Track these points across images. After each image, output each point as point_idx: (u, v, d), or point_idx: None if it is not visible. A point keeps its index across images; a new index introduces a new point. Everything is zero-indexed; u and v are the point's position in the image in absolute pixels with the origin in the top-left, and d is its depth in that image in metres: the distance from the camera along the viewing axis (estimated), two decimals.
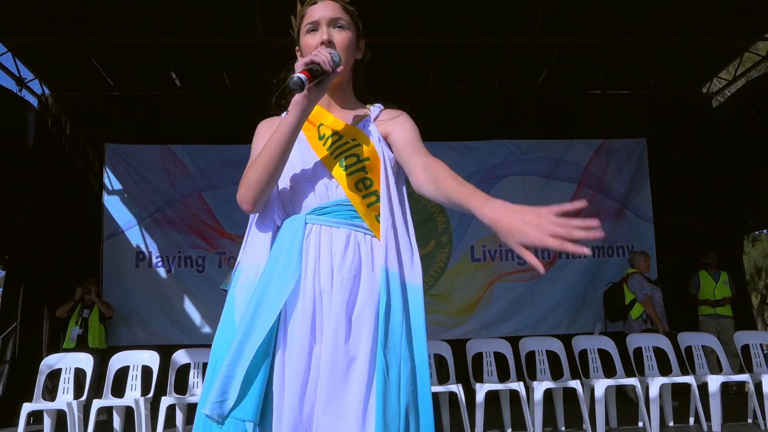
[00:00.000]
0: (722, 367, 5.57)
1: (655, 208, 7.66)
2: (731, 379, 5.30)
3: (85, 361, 5.42)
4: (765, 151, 7.06)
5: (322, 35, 1.53)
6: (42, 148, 7.19)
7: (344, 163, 1.51)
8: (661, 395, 5.15)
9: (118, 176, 7.24)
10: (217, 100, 7.50)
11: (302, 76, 1.38)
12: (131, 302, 6.95)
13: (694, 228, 7.68)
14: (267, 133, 1.55)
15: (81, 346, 6.19)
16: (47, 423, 5.10)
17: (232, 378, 1.35)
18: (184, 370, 5.55)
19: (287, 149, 1.45)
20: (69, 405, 4.88)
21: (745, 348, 5.73)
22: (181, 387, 5.51)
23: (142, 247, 7.12)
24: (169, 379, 5.35)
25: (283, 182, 1.52)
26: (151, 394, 5.20)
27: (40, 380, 5.21)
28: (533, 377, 5.50)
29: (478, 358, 5.59)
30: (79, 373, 5.42)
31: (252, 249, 1.51)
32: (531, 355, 5.65)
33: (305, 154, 1.53)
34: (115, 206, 7.19)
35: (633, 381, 5.11)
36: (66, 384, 5.32)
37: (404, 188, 1.55)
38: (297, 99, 1.43)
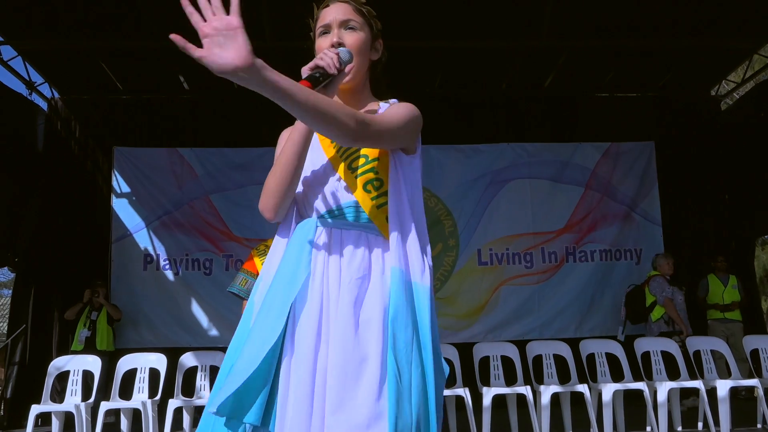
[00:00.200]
0: (731, 371, 5.53)
1: (664, 212, 7.62)
2: (740, 384, 5.26)
3: (93, 363, 5.44)
4: None
5: (332, 37, 1.53)
6: (51, 151, 7.24)
7: (353, 165, 1.51)
8: (669, 400, 5.12)
9: (127, 179, 7.28)
10: (224, 103, 7.53)
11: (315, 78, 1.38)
12: (139, 305, 6.98)
13: (704, 231, 7.64)
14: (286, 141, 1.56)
15: (89, 348, 6.22)
16: (55, 425, 5.13)
17: (239, 380, 1.35)
18: (191, 373, 5.56)
19: (301, 156, 1.46)
20: (77, 407, 4.91)
21: (755, 352, 5.69)
22: (189, 389, 5.53)
23: (150, 250, 7.15)
24: (177, 382, 5.37)
25: (299, 187, 1.53)
26: (158, 397, 5.22)
27: (49, 382, 5.24)
28: (540, 381, 5.48)
29: (485, 361, 5.58)
30: (87, 376, 5.44)
31: (271, 255, 1.52)
32: (538, 359, 5.64)
33: (316, 157, 1.54)
34: (123, 209, 7.23)
35: (641, 385, 5.08)
36: (74, 386, 5.35)
37: (418, 188, 1.53)
38: None
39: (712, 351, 5.74)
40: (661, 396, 5.03)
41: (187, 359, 5.57)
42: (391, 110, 1.50)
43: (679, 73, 7.54)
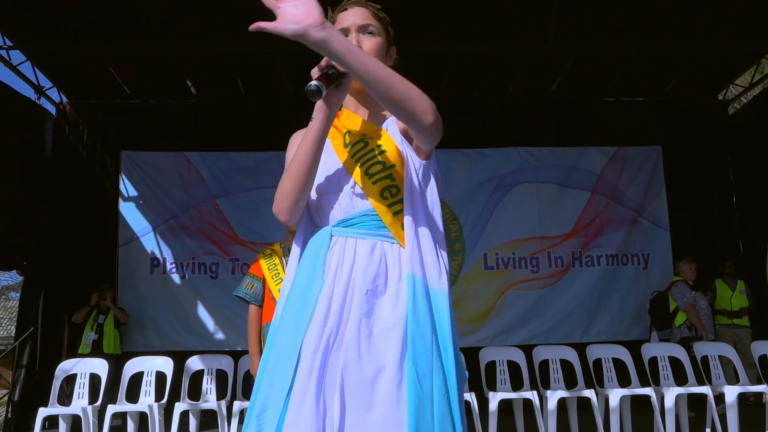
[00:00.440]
0: (739, 377, 5.50)
1: (672, 216, 7.59)
2: (748, 390, 5.23)
3: (99, 366, 5.46)
4: None
5: (351, 41, 1.51)
6: (59, 155, 7.28)
7: (369, 171, 1.48)
8: (677, 405, 5.09)
9: (134, 183, 7.32)
10: (231, 107, 7.57)
11: (316, 82, 1.37)
12: (146, 308, 7.00)
13: (712, 236, 7.61)
14: (298, 143, 1.54)
15: (96, 351, 6.24)
16: (62, 428, 5.15)
17: (269, 401, 1.36)
18: (197, 376, 5.58)
19: (315, 157, 1.44)
20: (84, 410, 4.93)
21: (763, 358, 5.65)
22: (195, 393, 5.54)
23: (157, 254, 7.17)
24: (183, 385, 5.38)
25: (311, 194, 1.52)
26: (164, 400, 5.24)
27: (56, 385, 5.26)
28: (547, 386, 5.46)
29: (492, 366, 5.56)
30: (94, 379, 5.46)
31: (289, 265, 1.52)
32: (545, 364, 5.62)
33: (330, 163, 1.51)
34: (130, 213, 7.26)
35: (648, 391, 5.06)
36: (81, 389, 5.37)
37: (435, 193, 1.52)
38: (319, 104, 1.43)
39: (720, 356, 5.70)
40: (669, 402, 5.00)
41: (194, 363, 5.59)
42: None
43: (686, 77, 7.52)
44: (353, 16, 1.55)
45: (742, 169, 7.62)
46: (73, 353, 6.41)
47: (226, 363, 5.60)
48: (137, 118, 7.53)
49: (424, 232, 1.45)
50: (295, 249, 1.53)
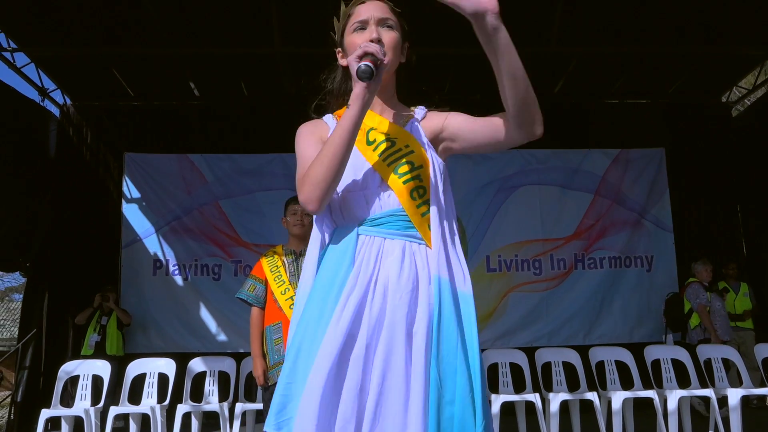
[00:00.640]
0: (743, 380, 5.48)
1: (675, 218, 7.57)
2: (752, 393, 5.21)
3: (102, 368, 5.48)
4: None
5: (371, 33, 1.51)
6: (63, 157, 7.30)
7: (399, 171, 1.48)
8: (680, 408, 5.08)
9: (137, 185, 7.33)
10: (234, 109, 7.58)
11: (369, 64, 1.38)
12: (148, 310, 7.01)
13: (715, 238, 7.58)
14: (312, 134, 1.53)
15: (99, 353, 6.25)
16: (65, 429, 5.16)
17: (290, 398, 1.35)
18: (199, 378, 5.58)
19: (350, 144, 1.41)
20: (86, 411, 4.93)
21: (766, 361, 5.63)
22: (197, 395, 5.54)
23: (160, 255, 7.18)
24: (185, 387, 5.39)
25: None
26: (167, 402, 5.24)
27: (58, 387, 5.27)
28: (549, 389, 5.45)
29: (494, 368, 5.56)
30: (97, 380, 5.47)
31: (306, 266, 1.50)
32: (547, 366, 5.61)
33: (355, 160, 1.48)
34: (133, 214, 7.27)
35: (651, 393, 5.05)
36: (83, 391, 5.38)
37: (451, 195, 1.54)
38: (358, 92, 1.41)
39: (723, 359, 5.69)
40: (672, 404, 4.99)
41: (196, 364, 5.60)
42: (472, 117, 1.56)
43: (690, 79, 7.50)
44: (372, 9, 1.55)
45: (746, 171, 7.60)
46: (76, 355, 6.42)
47: (228, 365, 5.60)
48: (140, 120, 7.55)
49: (448, 234, 1.48)
50: (314, 245, 1.50)
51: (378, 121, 1.56)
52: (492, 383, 5.41)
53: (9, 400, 6.99)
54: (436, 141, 1.57)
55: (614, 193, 7.58)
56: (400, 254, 1.43)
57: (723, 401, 5.15)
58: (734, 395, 4.94)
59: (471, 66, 7.09)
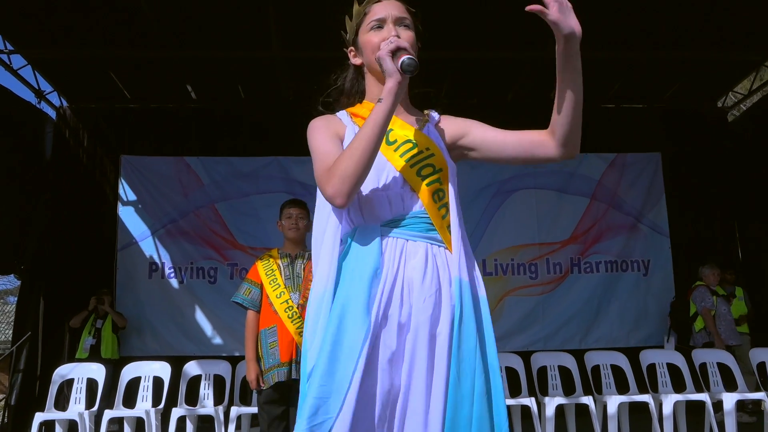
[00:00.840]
0: (738, 384, 5.49)
1: (671, 223, 7.59)
2: (747, 397, 5.22)
3: (97, 371, 5.46)
4: None
5: (390, 32, 1.52)
6: (59, 159, 7.28)
7: (422, 173, 1.50)
8: (675, 412, 5.08)
9: (133, 187, 7.32)
10: (231, 113, 7.58)
11: (413, 57, 1.40)
12: (144, 313, 6.99)
13: (711, 243, 7.60)
14: (327, 128, 1.52)
15: (94, 356, 6.22)
16: None
17: (327, 398, 1.33)
18: (195, 382, 5.57)
19: (381, 139, 1.40)
20: (80, 415, 4.91)
21: (761, 365, 5.65)
22: (192, 398, 5.53)
23: (155, 258, 7.17)
24: (180, 391, 5.37)
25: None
26: (162, 405, 5.22)
27: (53, 390, 5.25)
28: (545, 393, 5.45)
29: None
30: (92, 384, 5.45)
31: (321, 263, 1.46)
32: (543, 371, 5.61)
33: (376, 159, 1.45)
34: (129, 217, 7.26)
35: (646, 398, 5.05)
36: (78, 394, 5.36)
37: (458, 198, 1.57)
38: (391, 86, 1.41)
39: (718, 363, 5.70)
40: (667, 409, 4.99)
41: (191, 368, 5.58)
42: (499, 129, 1.61)
43: (686, 84, 7.53)
44: (389, 8, 1.57)
45: (742, 176, 7.63)
46: (72, 358, 6.40)
47: (223, 368, 5.59)
48: (137, 123, 7.54)
49: (465, 238, 1.50)
50: (329, 242, 1.46)
51: (397, 122, 1.56)
52: None
53: (3, 403, 6.96)
54: (452, 146, 1.60)
55: (610, 198, 7.59)
56: (424, 256, 1.44)
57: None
58: (729, 400, 4.95)
59: (468, 70, 7.13)
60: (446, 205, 1.51)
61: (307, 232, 3.47)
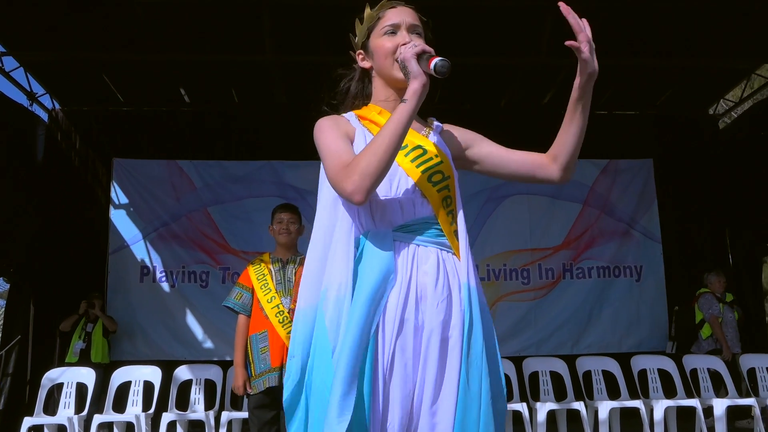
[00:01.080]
0: (728, 390, 5.51)
1: (664, 229, 7.62)
2: (737, 403, 5.24)
3: (87, 375, 5.42)
4: None
5: (404, 38, 1.55)
6: (51, 162, 7.24)
7: (432, 179, 1.51)
8: (666, 418, 5.09)
9: (125, 190, 7.28)
10: (225, 116, 7.57)
11: (446, 59, 1.43)
12: (135, 317, 6.95)
13: (702, 249, 7.64)
14: (337, 127, 1.52)
15: (84, 360, 6.17)
16: None
17: (350, 397, 1.33)
18: (185, 386, 5.54)
19: (403, 138, 1.41)
20: (69, 420, 4.88)
21: (751, 371, 5.67)
22: (183, 403, 5.50)
23: (147, 262, 7.13)
24: (171, 395, 5.34)
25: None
26: (152, 410, 5.19)
27: (42, 394, 5.21)
28: (537, 398, 5.45)
29: None
30: (81, 388, 5.41)
31: (333, 267, 1.44)
32: (534, 376, 5.61)
33: None
34: (121, 220, 7.22)
35: (637, 403, 5.06)
36: (67, 398, 5.32)
37: None
38: (416, 88, 1.44)
39: (708, 369, 5.72)
40: (658, 414, 5.00)
41: (182, 372, 5.55)
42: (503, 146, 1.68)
43: (678, 91, 7.58)
44: (404, 14, 1.59)
45: (733, 183, 7.67)
46: (62, 362, 6.35)
47: (214, 373, 5.57)
48: (130, 126, 7.51)
49: (469, 246, 1.52)
50: (340, 251, 1.44)
51: None
52: None
53: None
54: (457, 156, 1.63)
55: (603, 204, 7.62)
56: (436, 262, 1.46)
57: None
58: (719, 405, 4.97)
59: (461, 75, 7.14)
60: (453, 212, 1.53)
61: (299, 236, 3.46)
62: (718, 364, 5.72)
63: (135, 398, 5.36)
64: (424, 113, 1.69)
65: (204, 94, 7.54)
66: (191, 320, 7.00)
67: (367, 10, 1.63)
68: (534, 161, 1.63)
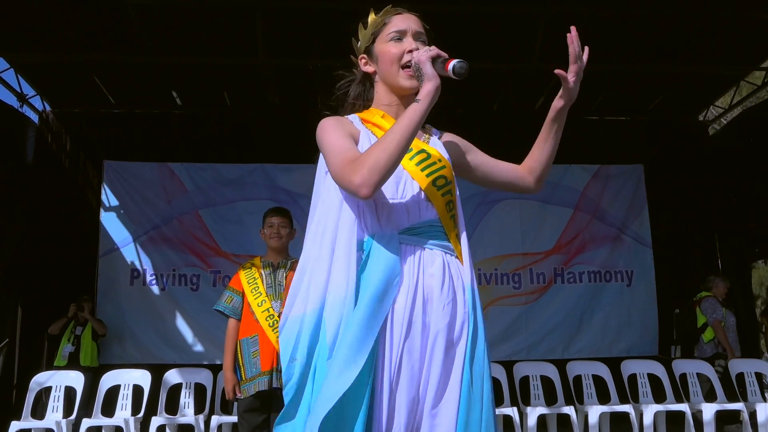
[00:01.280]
0: (717, 395, 5.54)
1: (654, 234, 7.66)
2: (726, 408, 5.26)
3: (75, 379, 5.38)
4: (763, 181, 7.08)
5: (410, 44, 1.58)
6: (42, 164, 7.18)
7: (437, 183, 1.54)
8: (655, 423, 5.11)
9: (116, 193, 7.24)
10: (217, 119, 7.55)
11: (464, 61, 1.46)
12: (124, 320, 6.90)
13: (691, 254, 7.68)
14: (341, 127, 1.53)
15: (72, 363, 6.12)
16: None
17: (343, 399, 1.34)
18: (175, 390, 5.50)
19: (413, 138, 1.43)
20: (58, 424, 4.84)
21: (740, 376, 5.70)
22: (172, 407, 5.46)
23: (137, 265, 7.09)
24: (160, 399, 5.31)
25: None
26: (141, 414, 5.16)
27: (30, 398, 5.16)
28: (527, 402, 5.46)
29: None
30: (70, 392, 5.37)
31: (338, 268, 1.44)
32: (525, 380, 5.62)
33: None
34: (111, 223, 7.18)
35: (627, 408, 5.08)
36: (55, 402, 5.27)
37: None
38: (430, 89, 1.47)
39: (698, 374, 5.75)
40: (647, 419, 5.02)
41: (172, 376, 5.52)
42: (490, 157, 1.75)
43: (668, 97, 7.63)
44: (410, 21, 1.63)
45: (722, 189, 7.73)
46: (51, 366, 6.29)
47: (204, 377, 5.54)
48: (121, 128, 7.47)
49: (469, 248, 1.57)
50: (344, 252, 1.44)
51: None
52: None
53: None
54: (455, 163, 1.66)
55: (594, 209, 7.65)
56: (441, 265, 1.49)
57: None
58: (708, 410, 4.99)
59: (452, 80, 7.16)
60: (455, 216, 1.56)
61: (290, 240, 3.46)
62: (708, 369, 5.75)
63: (124, 402, 5.32)
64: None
65: (196, 97, 7.52)
66: (181, 323, 6.96)
67: (372, 16, 1.65)
68: (517, 173, 1.74)
